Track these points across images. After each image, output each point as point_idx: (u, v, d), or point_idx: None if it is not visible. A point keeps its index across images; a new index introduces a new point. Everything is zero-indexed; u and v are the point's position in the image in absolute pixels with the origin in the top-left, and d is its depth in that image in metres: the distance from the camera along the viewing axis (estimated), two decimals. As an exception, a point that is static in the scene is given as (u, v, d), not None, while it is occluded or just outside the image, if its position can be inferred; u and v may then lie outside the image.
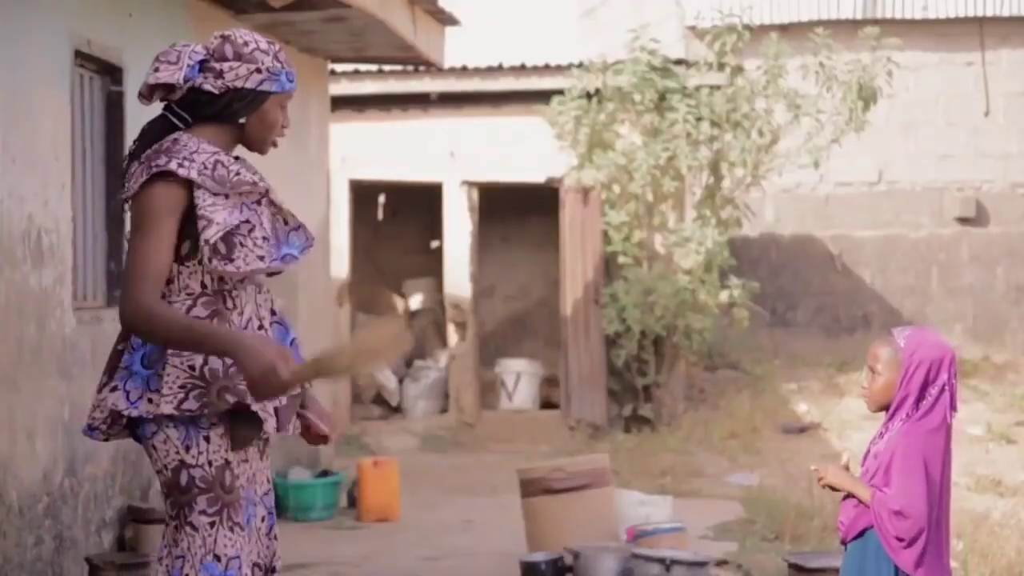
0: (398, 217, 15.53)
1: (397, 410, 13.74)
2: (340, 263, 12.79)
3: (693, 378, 13.54)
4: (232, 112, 3.44)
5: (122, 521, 6.86)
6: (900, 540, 3.93)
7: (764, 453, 11.68)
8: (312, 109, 10.18)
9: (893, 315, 14.77)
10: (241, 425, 3.41)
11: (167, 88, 3.44)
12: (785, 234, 14.96)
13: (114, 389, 3.40)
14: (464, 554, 7.88)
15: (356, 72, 12.96)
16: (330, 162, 11.11)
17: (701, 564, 6.41)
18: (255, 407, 3.35)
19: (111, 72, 6.95)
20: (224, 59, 3.44)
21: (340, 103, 12.45)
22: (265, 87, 3.45)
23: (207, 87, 3.42)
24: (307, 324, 9.83)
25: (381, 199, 15.23)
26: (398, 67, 12.58)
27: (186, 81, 3.42)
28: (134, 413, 3.36)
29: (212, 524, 3.37)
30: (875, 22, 13.88)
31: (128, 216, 3.44)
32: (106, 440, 3.52)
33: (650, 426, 12.70)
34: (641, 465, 11.00)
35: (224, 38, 3.47)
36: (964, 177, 14.90)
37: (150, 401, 3.36)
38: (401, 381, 13.84)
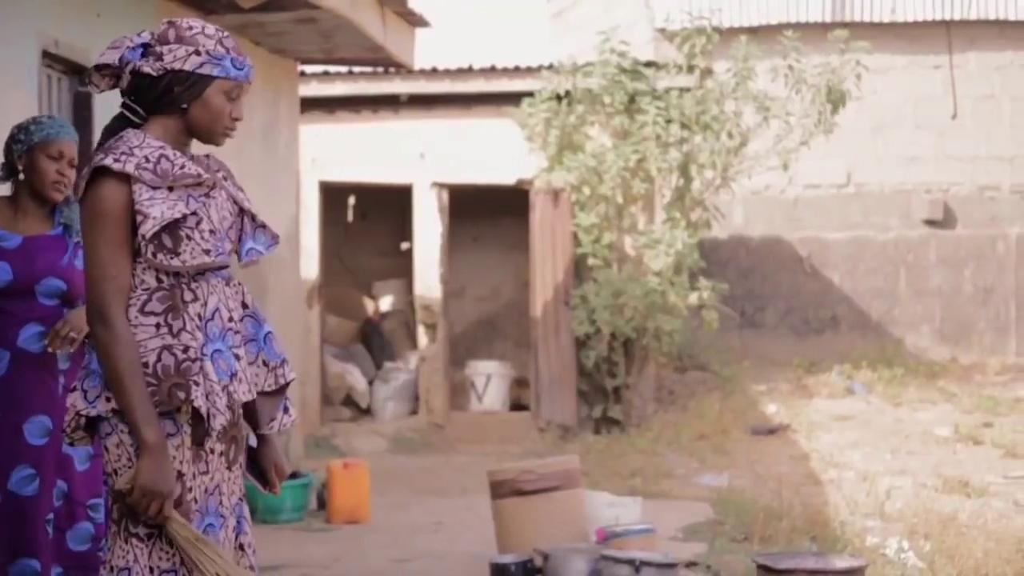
0: (368, 218, 15.51)
1: (367, 412, 13.71)
2: (310, 265, 12.75)
3: (663, 379, 13.57)
4: (173, 97, 3.38)
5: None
6: None
7: (733, 454, 11.71)
8: (282, 110, 10.16)
9: (861, 316, 14.84)
10: (197, 423, 3.34)
11: (114, 75, 3.42)
12: (754, 236, 15.00)
13: (74, 389, 3.34)
14: (434, 556, 7.87)
15: (326, 73, 12.94)
16: (300, 163, 11.09)
17: (671, 565, 6.42)
18: (198, 403, 3.28)
19: (79, 72, 6.92)
20: (166, 42, 3.40)
21: (310, 104, 12.43)
22: (205, 70, 3.38)
23: (146, 69, 3.37)
24: (277, 326, 9.77)
25: (351, 200, 15.22)
26: (368, 68, 12.56)
27: (125, 63, 3.38)
28: (92, 412, 3.30)
29: (150, 536, 3.29)
30: (844, 25, 13.93)
31: (79, 218, 3.42)
32: (71, 444, 3.44)
33: (620, 427, 12.72)
34: (611, 466, 11.01)
35: (170, 24, 3.44)
36: (932, 180, 14.97)
37: (108, 399, 3.29)
38: (371, 383, 13.82)
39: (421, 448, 12.61)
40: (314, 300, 13.00)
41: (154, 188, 3.31)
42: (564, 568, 6.51)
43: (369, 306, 15.00)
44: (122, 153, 3.31)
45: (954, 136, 14.94)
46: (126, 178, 3.30)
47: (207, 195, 3.40)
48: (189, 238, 3.33)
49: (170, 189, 3.33)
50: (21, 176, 4.72)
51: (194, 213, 3.35)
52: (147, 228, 3.28)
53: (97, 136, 5.78)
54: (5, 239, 4.64)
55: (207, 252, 3.36)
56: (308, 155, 12.44)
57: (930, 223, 14.95)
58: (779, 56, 12.68)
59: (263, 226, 3.53)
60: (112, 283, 3.28)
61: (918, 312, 14.92)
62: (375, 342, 14.46)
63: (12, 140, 4.73)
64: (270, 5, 8.09)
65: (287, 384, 3.56)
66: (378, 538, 8.41)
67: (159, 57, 3.38)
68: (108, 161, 3.29)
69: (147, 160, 3.32)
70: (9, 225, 4.68)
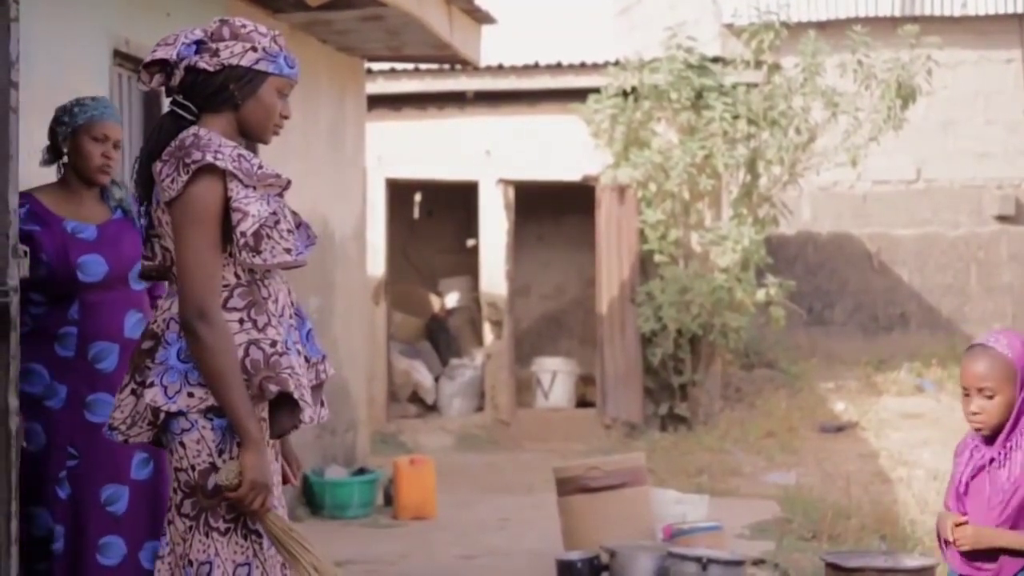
0: (434, 216, 15.55)
1: (433, 408, 13.75)
2: (376, 261, 12.81)
3: (729, 377, 13.50)
4: (228, 94, 3.41)
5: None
6: None
7: (801, 452, 11.64)
8: (348, 108, 10.20)
9: (931, 314, 14.69)
10: (280, 415, 3.38)
11: (166, 73, 3.43)
12: (822, 232, 14.89)
13: (151, 385, 3.33)
14: (500, 552, 7.88)
15: (392, 71, 12.98)
16: (366, 161, 11.12)
17: (738, 563, 6.39)
18: (296, 395, 3.32)
19: (149, 71, 6.97)
20: (221, 39, 3.43)
21: (376, 102, 12.47)
22: (261, 67, 3.42)
23: (202, 65, 3.39)
24: (343, 322, 9.86)
25: (417, 198, 15.26)
26: (434, 66, 12.59)
27: (181, 59, 3.40)
28: (173, 408, 3.30)
29: (227, 530, 3.33)
30: (913, 19, 13.80)
31: (162, 217, 3.41)
32: (125, 442, 3.47)
33: (686, 425, 12.67)
34: (677, 464, 10.98)
35: (222, 21, 3.47)
36: (1003, 175, 14.80)
37: (190, 395, 3.30)
38: (437, 379, 13.86)
39: (487, 445, 12.63)
40: (380, 297, 13.06)
41: (247, 186, 3.33)
42: (631, 565, 6.50)
43: (435, 303, 15.04)
44: (215, 151, 3.31)
45: (1026, 131, 14.75)
46: (222, 176, 3.32)
47: (280, 195, 3.42)
48: (269, 237, 3.34)
49: (253, 188, 3.35)
50: (66, 159, 4.54)
51: (273, 212, 3.37)
52: (247, 226, 3.30)
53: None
54: (80, 231, 4.51)
55: (288, 251, 3.37)
56: (374, 152, 12.48)
57: (1001, 219, 14.77)
58: (848, 51, 12.58)
59: (301, 224, 3.54)
60: (212, 281, 3.30)
61: (989, 309, 14.75)
62: (441, 339, 14.50)
63: (56, 122, 4.58)
64: (337, 3, 8.11)
65: (325, 380, 3.60)
66: (444, 534, 8.43)
67: (215, 53, 3.41)
68: (210, 159, 3.29)
69: (233, 159, 3.33)
70: (73, 214, 4.52)
